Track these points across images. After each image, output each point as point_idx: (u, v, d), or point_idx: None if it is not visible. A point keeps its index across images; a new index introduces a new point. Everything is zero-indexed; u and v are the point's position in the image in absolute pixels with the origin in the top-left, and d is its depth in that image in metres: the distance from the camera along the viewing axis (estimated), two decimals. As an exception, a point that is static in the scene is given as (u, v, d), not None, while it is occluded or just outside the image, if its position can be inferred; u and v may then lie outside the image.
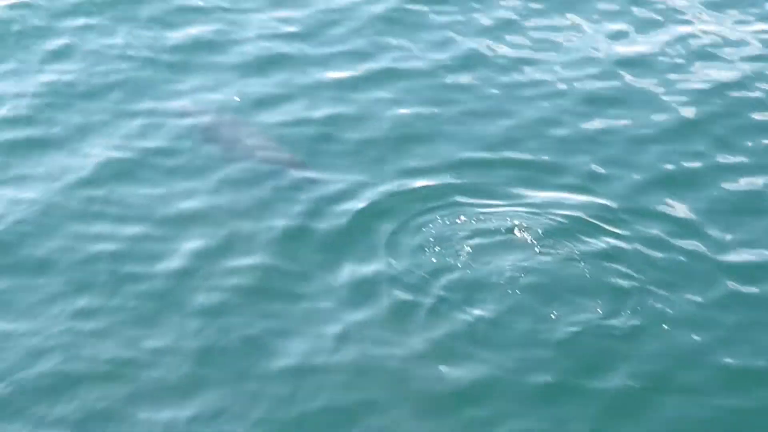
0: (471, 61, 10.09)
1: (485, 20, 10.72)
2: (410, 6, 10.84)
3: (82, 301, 7.27)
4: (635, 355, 7.02)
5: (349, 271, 7.67)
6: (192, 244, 7.80)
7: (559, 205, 8.26)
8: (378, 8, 10.81)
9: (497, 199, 8.36)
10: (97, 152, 8.67)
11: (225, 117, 9.24)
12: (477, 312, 7.34)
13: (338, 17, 10.70)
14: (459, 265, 7.69)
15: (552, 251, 7.79)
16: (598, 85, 9.81)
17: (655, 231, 8.03)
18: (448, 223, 8.03)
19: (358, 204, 8.21)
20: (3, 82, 9.56)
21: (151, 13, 10.56)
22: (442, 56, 10.14)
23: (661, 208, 8.29)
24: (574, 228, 7.99)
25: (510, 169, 8.71)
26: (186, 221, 8.02)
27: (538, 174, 8.65)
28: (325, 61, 10.03)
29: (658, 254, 7.80)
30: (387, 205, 8.25)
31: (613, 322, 7.25)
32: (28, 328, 7.07)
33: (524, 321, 7.28)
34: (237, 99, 9.38)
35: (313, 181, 8.45)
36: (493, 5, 10.94)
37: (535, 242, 7.84)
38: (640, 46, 10.42)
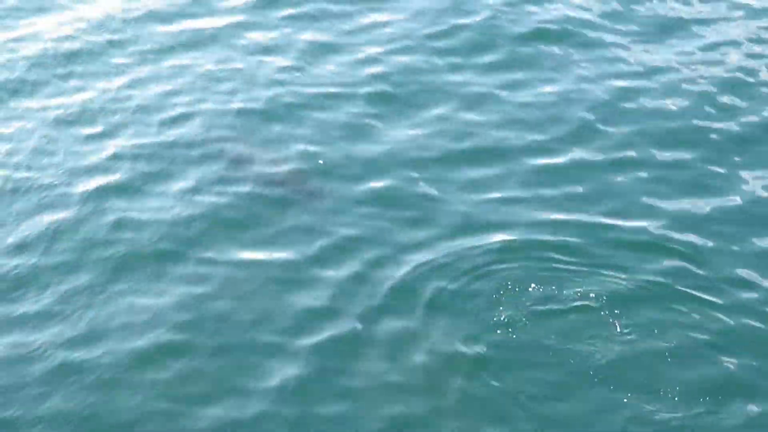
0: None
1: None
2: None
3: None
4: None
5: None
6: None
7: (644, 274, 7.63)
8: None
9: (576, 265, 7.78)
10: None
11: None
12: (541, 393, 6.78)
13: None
14: (528, 337, 7.12)
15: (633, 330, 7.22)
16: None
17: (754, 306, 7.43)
18: (515, 286, 7.50)
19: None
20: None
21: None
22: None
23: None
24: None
25: (595, 235, 8.15)
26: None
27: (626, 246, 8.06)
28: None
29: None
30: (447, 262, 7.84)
31: (694, 418, 6.65)
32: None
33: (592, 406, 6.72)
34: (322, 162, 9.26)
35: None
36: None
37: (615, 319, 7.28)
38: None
